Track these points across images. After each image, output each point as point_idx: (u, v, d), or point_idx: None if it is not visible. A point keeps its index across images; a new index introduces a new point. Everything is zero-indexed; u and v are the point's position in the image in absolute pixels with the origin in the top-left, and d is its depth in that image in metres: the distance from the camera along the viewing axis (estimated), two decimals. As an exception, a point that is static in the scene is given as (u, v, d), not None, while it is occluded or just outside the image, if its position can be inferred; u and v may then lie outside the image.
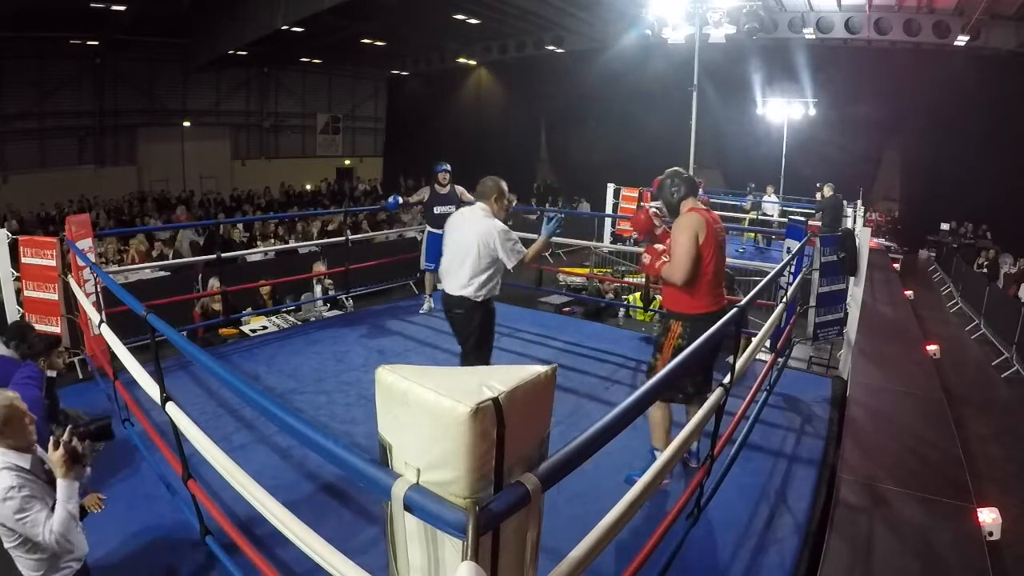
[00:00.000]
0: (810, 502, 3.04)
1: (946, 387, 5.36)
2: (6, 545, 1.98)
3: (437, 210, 5.70)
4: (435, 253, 5.62)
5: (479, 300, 3.45)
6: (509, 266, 3.42)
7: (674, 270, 2.90)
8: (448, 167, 5.79)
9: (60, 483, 1.97)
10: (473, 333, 3.56)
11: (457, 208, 5.57)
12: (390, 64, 22.07)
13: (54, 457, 1.97)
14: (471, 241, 3.37)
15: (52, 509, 1.96)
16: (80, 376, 4.18)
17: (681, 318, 3.01)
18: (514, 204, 3.75)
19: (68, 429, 2.01)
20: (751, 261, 9.05)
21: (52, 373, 3.49)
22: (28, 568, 2.02)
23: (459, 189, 5.84)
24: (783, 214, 12.23)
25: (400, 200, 5.90)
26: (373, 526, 2.63)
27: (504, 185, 3.54)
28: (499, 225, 3.40)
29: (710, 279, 2.96)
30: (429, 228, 5.83)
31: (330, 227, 11.86)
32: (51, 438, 2.00)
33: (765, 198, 12.78)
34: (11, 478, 1.91)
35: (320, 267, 7.07)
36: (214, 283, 6.37)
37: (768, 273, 3.56)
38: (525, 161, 22.30)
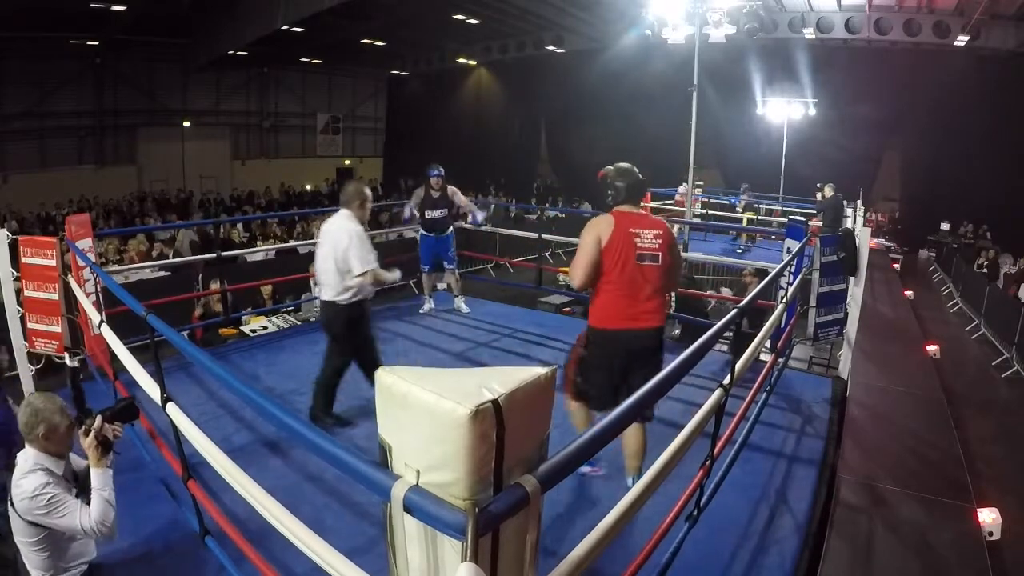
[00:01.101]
0: (810, 502, 3.04)
1: (946, 387, 5.36)
2: (20, 540, 2.04)
3: (429, 214, 5.71)
4: (428, 255, 5.82)
5: (344, 303, 3.48)
6: (355, 271, 3.37)
7: (571, 270, 2.78)
8: (440, 171, 5.68)
9: (94, 472, 2.08)
10: (343, 338, 3.56)
11: (450, 211, 5.76)
12: (390, 64, 22.05)
13: (86, 444, 2.06)
14: (333, 245, 3.42)
15: (83, 503, 2.06)
16: (80, 376, 4.17)
17: (589, 328, 2.84)
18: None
19: (98, 416, 2.09)
20: (739, 260, 9.08)
21: (75, 364, 3.56)
22: (36, 567, 2.07)
23: (451, 189, 5.77)
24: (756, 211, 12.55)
25: (409, 213, 5.83)
26: (373, 526, 2.63)
27: (367, 191, 3.61)
28: (357, 229, 3.44)
29: (614, 290, 2.70)
30: (422, 231, 5.85)
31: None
32: (83, 426, 2.09)
33: (740, 196, 12.83)
34: (43, 477, 2.02)
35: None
36: (215, 284, 6.37)
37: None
38: (525, 161, 22.30)
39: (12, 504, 2.01)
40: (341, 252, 3.39)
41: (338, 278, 3.44)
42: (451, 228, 5.86)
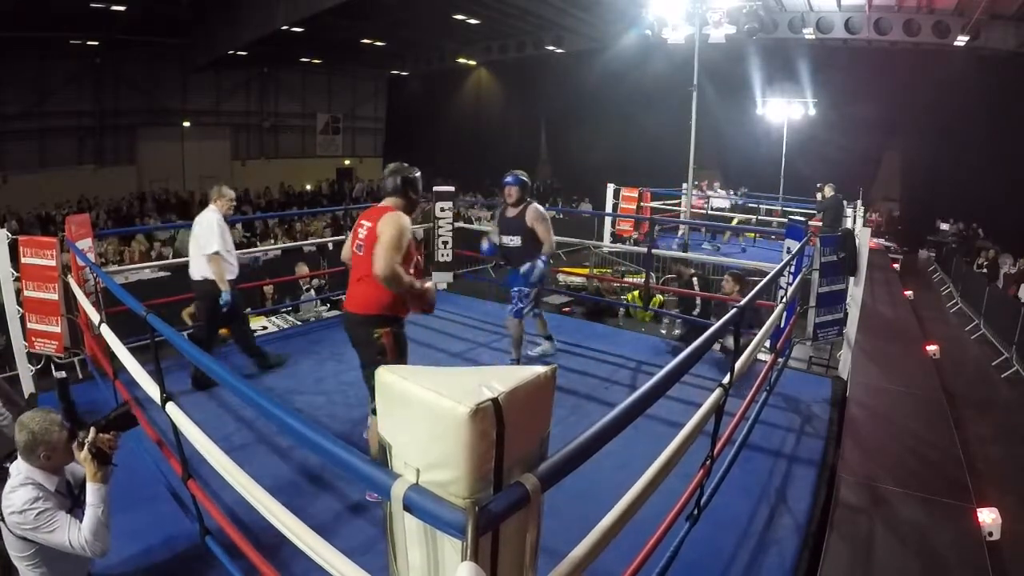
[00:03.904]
0: (810, 502, 3.04)
1: (946, 387, 5.36)
2: (13, 554, 1.99)
3: (501, 239, 4.32)
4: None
5: (200, 279, 4.09)
6: (207, 250, 4.00)
7: None
8: (515, 180, 4.23)
9: (90, 487, 2.00)
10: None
11: (523, 239, 4.23)
12: (390, 64, 22.07)
13: (80, 457, 1.99)
14: (200, 232, 4.06)
15: (77, 519, 1.98)
16: (80, 376, 4.18)
17: None
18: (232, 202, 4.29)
19: (91, 428, 2.02)
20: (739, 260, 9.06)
21: (62, 374, 3.50)
22: None
23: (535, 212, 4.20)
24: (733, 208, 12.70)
25: (488, 245, 4.50)
26: (373, 526, 2.63)
27: (225, 188, 4.25)
28: (216, 218, 4.06)
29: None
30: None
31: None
32: (75, 440, 2.02)
33: (711, 193, 12.85)
34: (32, 491, 1.95)
35: (303, 268, 7.06)
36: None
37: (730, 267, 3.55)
38: (525, 161, 22.31)
39: (2, 518, 1.96)
40: (204, 239, 4.02)
41: (199, 259, 4.08)
42: (532, 264, 4.18)
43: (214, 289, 4.05)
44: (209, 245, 3.98)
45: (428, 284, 2.95)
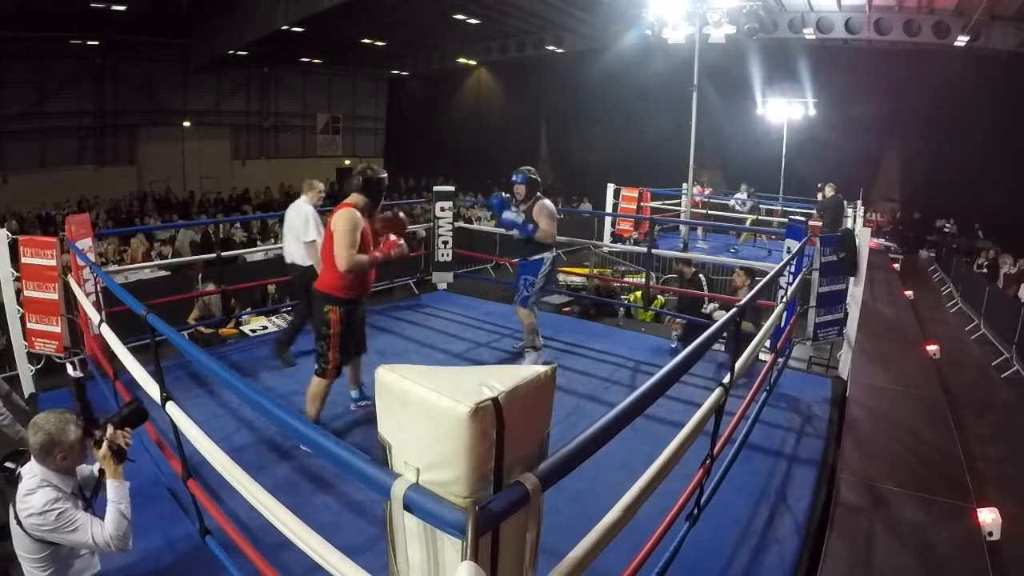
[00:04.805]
0: (810, 502, 3.04)
1: (946, 387, 5.36)
2: (23, 556, 1.97)
3: (515, 232, 4.48)
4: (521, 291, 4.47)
5: (291, 263, 4.66)
6: (305, 239, 4.47)
7: None
8: (522, 178, 4.47)
9: (110, 483, 2.01)
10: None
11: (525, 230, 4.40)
12: (390, 64, 22.08)
13: (99, 455, 2.01)
14: (294, 222, 4.57)
15: (97, 518, 1.99)
16: (85, 387, 4.17)
17: None
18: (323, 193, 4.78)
19: (106, 425, 2.03)
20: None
21: (79, 374, 3.49)
22: None
23: (542, 207, 4.41)
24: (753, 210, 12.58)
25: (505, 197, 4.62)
26: (373, 526, 2.63)
27: (315, 182, 4.76)
28: (310, 209, 4.54)
29: None
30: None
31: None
32: (93, 438, 2.03)
33: (736, 195, 12.82)
34: (51, 492, 1.93)
35: None
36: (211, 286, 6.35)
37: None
38: (525, 161, 22.18)
39: (18, 521, 1.92)
40: (303, 228, 4.49)
41: (297, 245, 4.52)
42: (539, 256, 4.42)
43: (306, 271, 4.50)
44: (307, 234, 4.48)
45: (386, 247, 3.30)
